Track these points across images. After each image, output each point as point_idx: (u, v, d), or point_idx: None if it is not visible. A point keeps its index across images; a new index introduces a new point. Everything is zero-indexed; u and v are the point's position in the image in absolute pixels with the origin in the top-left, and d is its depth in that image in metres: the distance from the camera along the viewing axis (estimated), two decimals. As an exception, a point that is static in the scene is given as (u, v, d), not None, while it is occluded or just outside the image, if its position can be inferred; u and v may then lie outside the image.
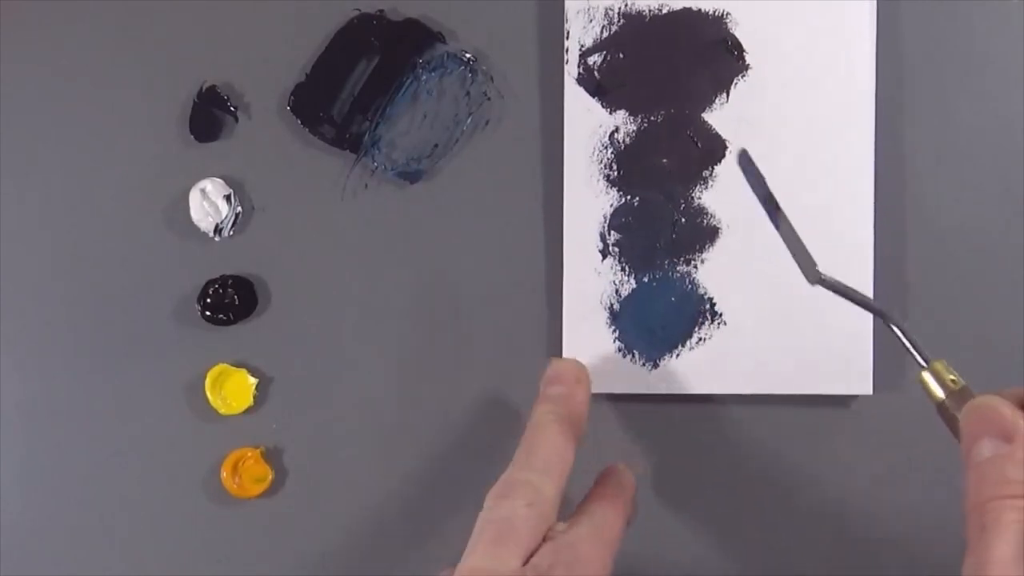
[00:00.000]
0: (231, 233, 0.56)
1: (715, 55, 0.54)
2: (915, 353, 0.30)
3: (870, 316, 0.53)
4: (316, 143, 0.55)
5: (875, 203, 0.53)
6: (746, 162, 0.42)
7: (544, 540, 0.33)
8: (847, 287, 0.36)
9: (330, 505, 0.56)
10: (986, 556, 0.24)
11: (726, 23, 0.54)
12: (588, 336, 0.54)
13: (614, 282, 0.54)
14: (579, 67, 0.54)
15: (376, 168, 0.55)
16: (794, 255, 0.37)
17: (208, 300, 0.56)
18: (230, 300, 0.56)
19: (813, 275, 0.36)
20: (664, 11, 0.54)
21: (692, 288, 0.54)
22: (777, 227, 0.38)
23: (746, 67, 0.54)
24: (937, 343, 0.54)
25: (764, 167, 0.54)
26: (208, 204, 0.55)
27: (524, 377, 0.55)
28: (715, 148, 0.54)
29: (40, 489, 0.57)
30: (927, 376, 0.28)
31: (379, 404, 0.56)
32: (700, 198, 0.54)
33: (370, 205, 0.56)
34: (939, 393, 0.27)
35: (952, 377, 0.28)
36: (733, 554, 0.55)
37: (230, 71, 0.56)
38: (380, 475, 0.56)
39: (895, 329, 0.32)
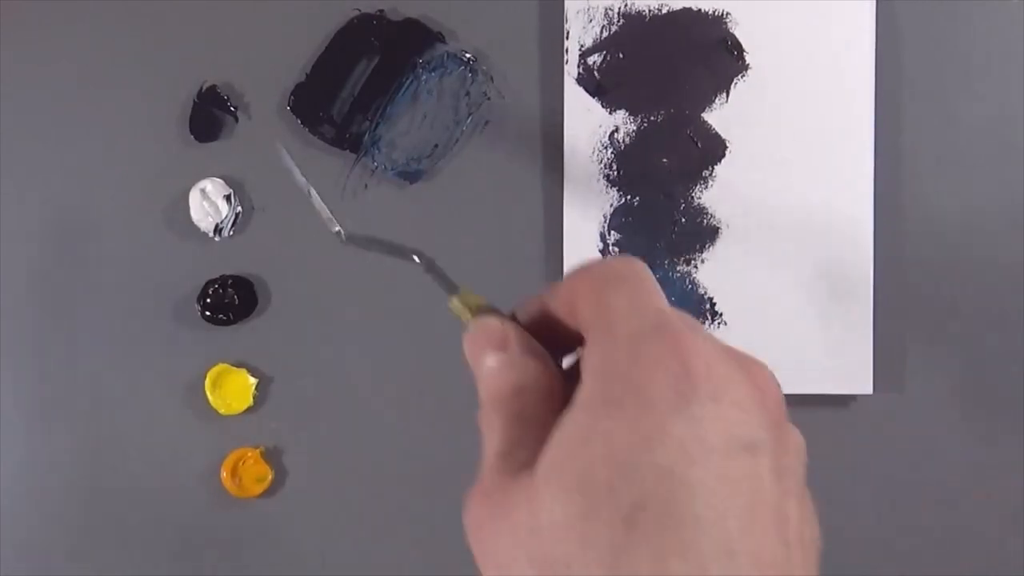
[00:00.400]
0: (231, 233, 0.56)
1: (715, 55, 0.54)
2: (444, 283, 0.32)
3: (870, 316, 0.53)
4: (316, 143, 0.55)
5: (875, 203, 0.53)
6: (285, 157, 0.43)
7: None
8: (367, 238, 0.37)
9: (330, 505, 0.56)
10: (485, 453, 0.26)
11: (726, 23, 0.54)
12: (588, 336, 0.54)
13: (614, 282, 0.54)
14: (579, 67, 0.54)
15: (376, 168, 0.55)
16: (321, 216, 0.38)
17: (208, 300, 0.56)
18: (230, 300, 0.56)
19: (337, 235, 0.37)
20: (664, 11, 0.54)
21: (692, 288, 0.54)
22: (308, 192, 0.39)
23: (746, 67, 0.54)
24: (937, 341, 0.55)
25: (764, 166, 0.54)
26: (208, 204, 0.55)
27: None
28: (715, 148, 0.54)
29: (40, 489, 0.57)
30: (456, 302, 0.30)
31: (379, 404, 0.56)
32: (700, 198, 0.54)
33: (370, 205, 0.56)
34: (468, 316, 0.30)
35: (478, 303, 0.30)
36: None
37: (230, 71, 0.56)
38: (380, 475, 0.56)
39: (421, 261, 0.34)
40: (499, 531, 0.24)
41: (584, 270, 0.27)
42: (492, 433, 0.26)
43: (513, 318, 0.29)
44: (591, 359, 0.25)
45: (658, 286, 0.26)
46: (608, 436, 0.23)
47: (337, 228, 0.38)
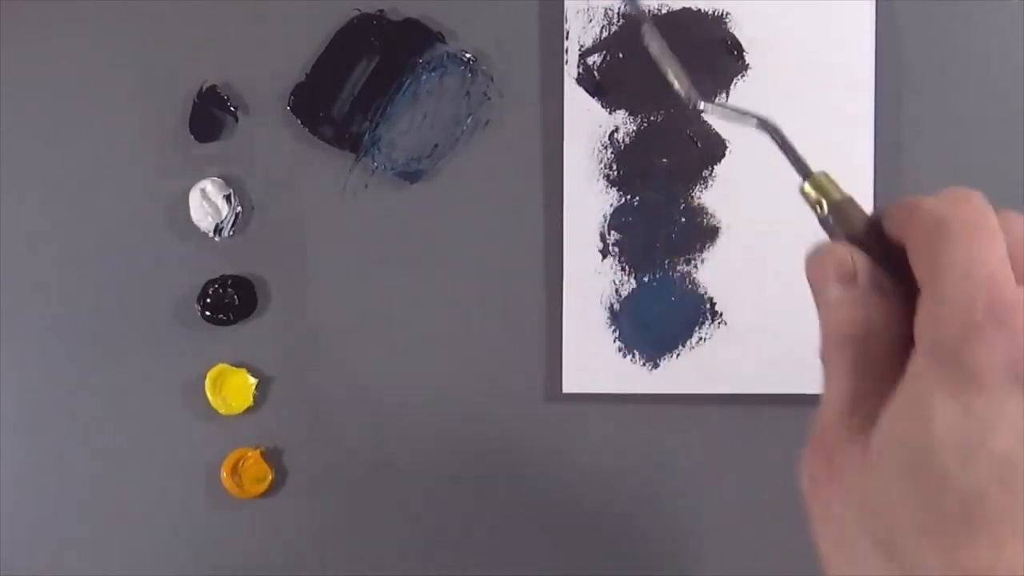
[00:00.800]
0: (231, 233, 0.56)
1: (715, 55, 0.54)
2: (798, 163, 0.31)
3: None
4: (316, 143, 0.55)
5: (875, 203, 0.53)
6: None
7: None
8: (726, 106, 0.35)
9: (330, 505, 0.56)
10: (826, 398, 0.26)
11: (726, 23, 0.54)
12: (588, 336, 0.54)
13: (614, 282, 0.54)
14: (579, 67, 0.54)
15: (376, 168, 0.55)
16: (672, 78, 0.36)
17: (208, 300, 0.56)
18: (230, 300, 0.56)
19: (693, 99, 0.36)
20: (664, 11, 0.54)
21: (692, 288, 0.54)
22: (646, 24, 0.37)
23: (746, 67, 0.54)
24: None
25: (764, 166, 0.54)
26: (208, 204, 0.55)
27: (524, 376, 0.55)
28: (715, 148, 0.54)
29: (40, 489, 0.57)
30: (807, 187, 0.30)
31: (379, 404, 0.56)
32: (700, 198, 0.54)
33: (370, 205, 0.56)
34: (823, 205, 0.29)
35: (834, 195, 0.29)
36: (734, 553, 0.55)
37: (230, 71, 0.56)
38: (380, 475, 0.56)
39: (775, 138, 0.33)
40: (832, 488, 0.25)
41: (917, 209, 0.26)
42: (836, 377, 0.26)
43: (870, 229, 0.29)
44: (923, 324, 0.24)
45: (997, 232, 0.25)
46: (943, 418, 0.23)
47: (687, 92, 0.36)
